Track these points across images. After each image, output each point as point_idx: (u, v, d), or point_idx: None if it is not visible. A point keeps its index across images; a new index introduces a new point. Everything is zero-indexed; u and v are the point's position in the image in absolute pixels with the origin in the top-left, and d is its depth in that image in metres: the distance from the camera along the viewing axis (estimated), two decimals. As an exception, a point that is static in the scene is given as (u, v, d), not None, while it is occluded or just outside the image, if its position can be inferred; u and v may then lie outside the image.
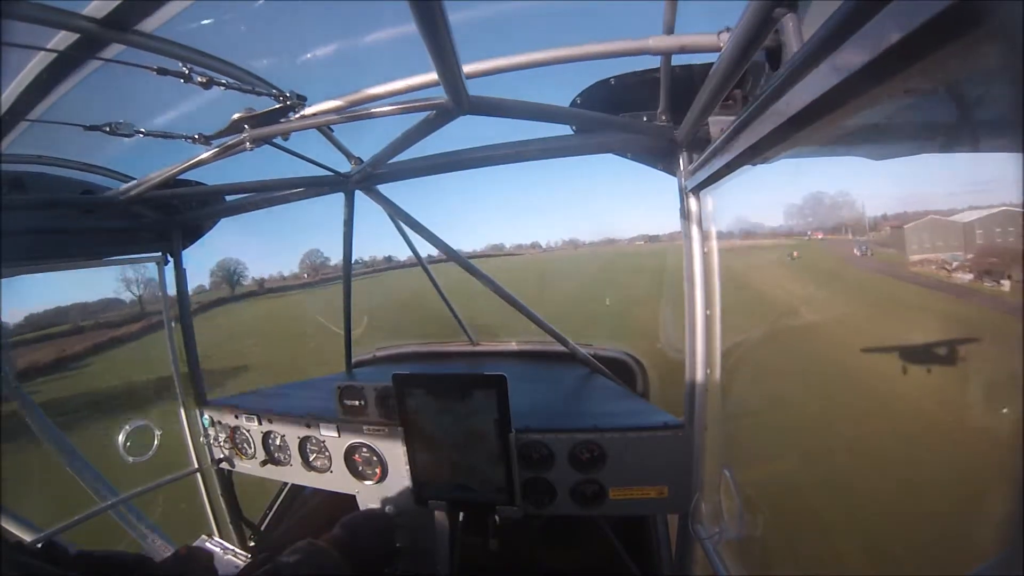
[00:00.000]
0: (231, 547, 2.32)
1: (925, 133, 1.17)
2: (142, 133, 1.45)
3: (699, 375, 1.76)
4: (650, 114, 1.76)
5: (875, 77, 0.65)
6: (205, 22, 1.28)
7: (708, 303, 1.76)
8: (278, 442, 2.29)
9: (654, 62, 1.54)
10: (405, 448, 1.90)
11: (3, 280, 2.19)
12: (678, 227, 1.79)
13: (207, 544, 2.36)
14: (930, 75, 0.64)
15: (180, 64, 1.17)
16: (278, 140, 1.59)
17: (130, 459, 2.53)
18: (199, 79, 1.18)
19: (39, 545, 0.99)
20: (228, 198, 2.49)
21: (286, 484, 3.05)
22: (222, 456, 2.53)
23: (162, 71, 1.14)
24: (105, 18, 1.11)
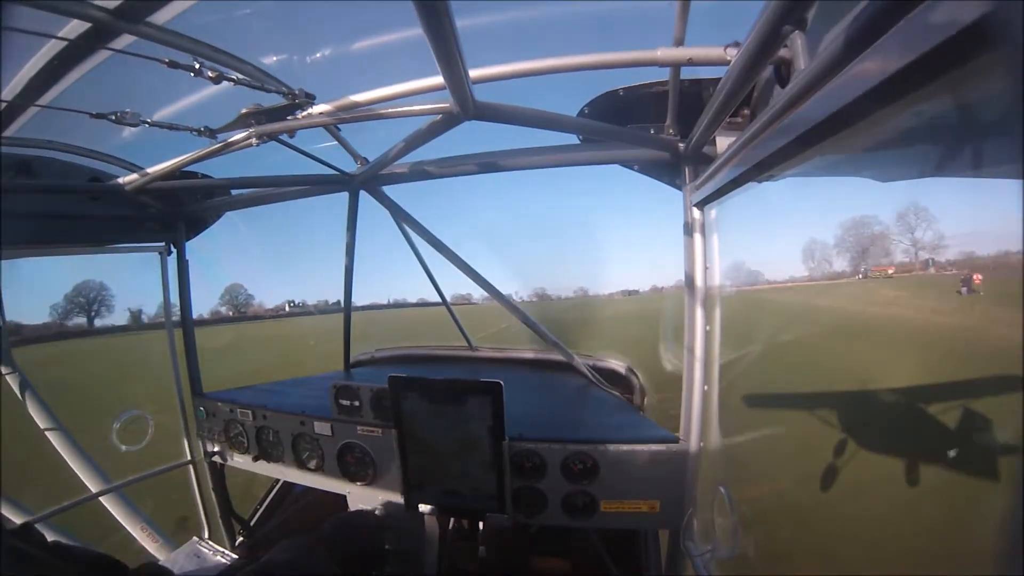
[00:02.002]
0: (221, 549, 2.31)
1: (933, 156, 1.16)
2: (148, 123, 1.46)
3: (696, 391, 1.75)
4: (657, 127, 1.76)
5: (882, 98, 0.64)
6: (216, 17, 1.30)
7: (708, 319, 1.74)
8: (271, 438, 2.29)
9: (663, 75, 1.54)
10: (398, 451, 1.89)
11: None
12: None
13: (199, 545, 2.35)
14: (939, 97, 0.64)
15: (191, 58, 1.18)
16: (284, 137, 1.60)
17: (123, 447, 2.55)
18: (210, 73, 1.18)
19: (15, 528, 0.98)
20: (233, 192, 2.50)
21: (277, 481, 3.05)
22: (216, 449, 2.52)
23: (173, 64, 1.14)
24: (117, 8, 1.12)
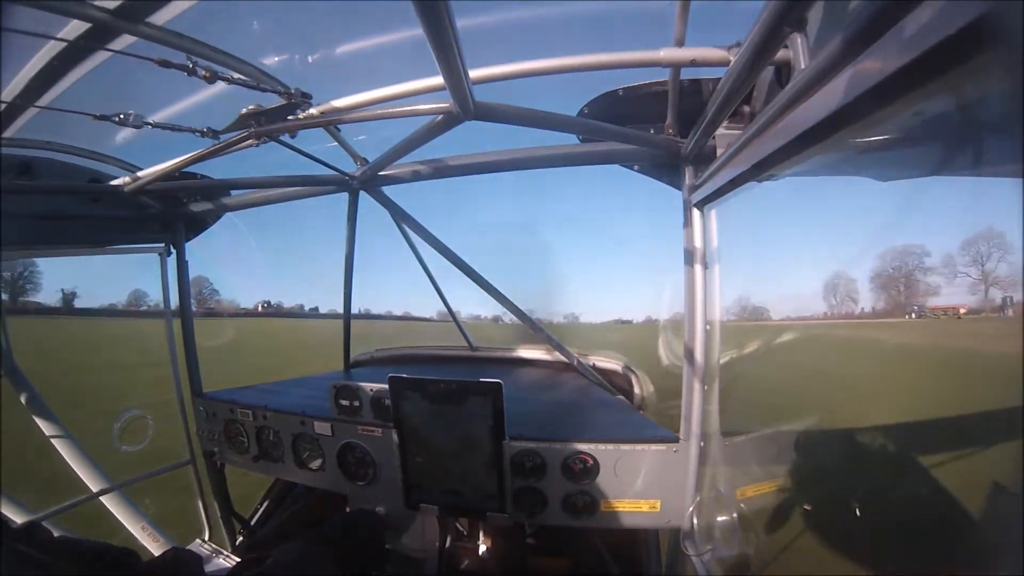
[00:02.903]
0: (223, 551, 2.32)
1: (933, 156, 1.17)
2: (150, 124, 1.46)
3: (696, 391, 1.75)
4: (657, 127, 1.76)
5: (882, 98, 0.64)
6: (217, 17, 1.29)
7: (708, 318, 1.74)
8: (271, 438, 2.29)
9: (662, 74, 1.54)
10: (398, 451, 1.89)
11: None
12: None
13: (201, 548, 2.35)
14: (939, 98, 0.64)
15: (185, 57, 1.18)
16: (284, 138, 1.59)
17: (123, 447, 2.55)
18: (203, 73, 1.18)
19: (21, 526, 0.98)
20: (233, 193, 2.50)
21: (278, 480, 3.05)
22: (216, 449, 2.52)
23: (165, 63, 1.14)
24: (116, 9, 1.12)
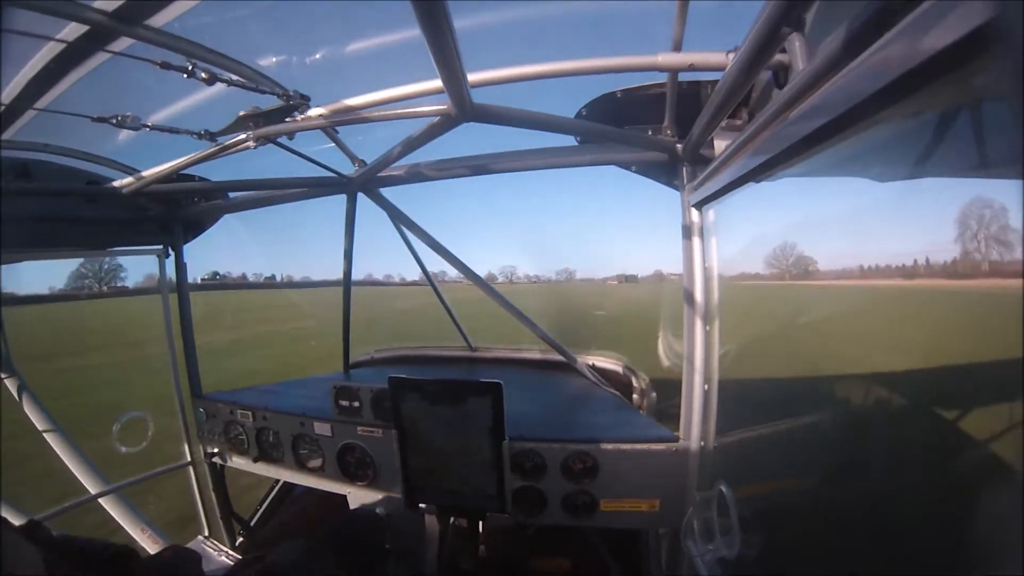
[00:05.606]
0: (224, 548, 2.31)
1: (932, 157, 1.17)
2: (148, 127, 1.46)
3: (696, 390, 1.75)
4: (655, 128, 1.76)
5: (881, 99, 0.64)
6: (214, 19, 1.29)
7: (707, 318, 1.75)
8: (271, 439, 2.29)
9: (661, 76, 1.54)
10: (398, 451, 1.89)
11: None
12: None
13: (203, 545, 2.35)
14: (938, 98, 0.64)
15: (184, 59, 1.18)
16: (282, 140, 1.59)
17: (123, 448, 2.55)
18: (202, 75, 1.18)
19: (21, 525, 0.98)
20: (231, 195, 2.50)
21: (278, 481, 3.05)
22: (215, 450, 2.52)
23: (165, 65, 1.14)
24: (115, 12, 1.12)
